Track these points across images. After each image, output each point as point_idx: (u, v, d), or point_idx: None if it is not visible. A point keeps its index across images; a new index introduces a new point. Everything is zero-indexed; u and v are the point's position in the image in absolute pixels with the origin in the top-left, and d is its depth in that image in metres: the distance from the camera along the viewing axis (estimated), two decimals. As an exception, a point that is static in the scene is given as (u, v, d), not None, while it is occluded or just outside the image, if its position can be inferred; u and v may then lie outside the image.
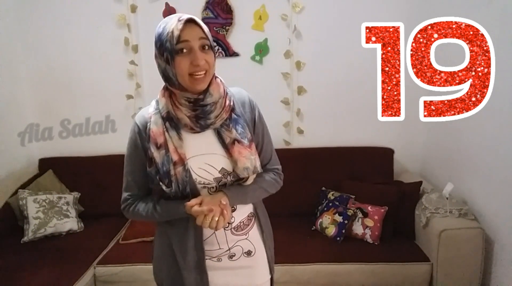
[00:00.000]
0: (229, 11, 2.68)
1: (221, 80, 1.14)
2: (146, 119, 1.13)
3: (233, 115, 1.13)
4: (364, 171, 2.67)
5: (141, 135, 1.13)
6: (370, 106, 2.83)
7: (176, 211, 1.12)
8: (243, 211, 1.22)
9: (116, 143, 2.75)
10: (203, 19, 2.69)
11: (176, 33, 1.00)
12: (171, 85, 1.07)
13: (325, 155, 2.74)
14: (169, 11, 2.70)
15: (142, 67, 2.80)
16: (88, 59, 2.79)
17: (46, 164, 2.80)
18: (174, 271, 1.19)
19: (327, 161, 2.72)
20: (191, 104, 1.07)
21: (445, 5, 2.38)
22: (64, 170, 2.77)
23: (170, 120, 1.10)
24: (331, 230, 2.30)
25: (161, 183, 1.10)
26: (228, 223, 1.18)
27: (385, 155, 2.74)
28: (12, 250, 2.25)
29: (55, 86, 2.84)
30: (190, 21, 1.02)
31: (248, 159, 1.12)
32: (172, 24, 1.01)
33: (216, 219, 1.04)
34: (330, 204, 2.42)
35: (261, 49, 2.74)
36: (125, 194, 1.20)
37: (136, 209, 1.18)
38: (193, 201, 1.06)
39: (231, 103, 1.14)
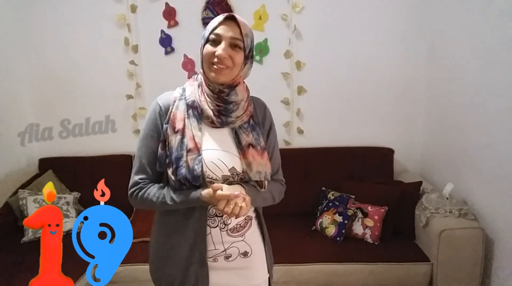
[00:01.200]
0: (229, 11, 2.67)
1: (247, 87, 1.21)
2: (169, 102, 1.16)
3: (251, 121, 1.19)
4: (364, 171, 2.67)
5: (162, 116, 1.15)
6: (370, 106, 2.84)
7: (193, 196, 1.09)
8: None
9: (116, 143, 2.76)
10: (203, 19, 2.69)
11: (213, 24, 1.10)
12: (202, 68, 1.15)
13: (325, 155, 2.74)
14: (169, 11, 2.70)
15: (142, 67, 2.80)
16: (88, 59, 2.79)
17: (46, 164, 2.80)
18: (172, 269, 1.18)
19: (327, 161, 2.72)
20: (215, 95, 1.13)
21: (445, 5, 2.38)
22: (64, 170, 2.77)
23: (193, 109, 1.13)
24: (331, 230, 2.30)
25: (168, 169, 1.10)
26: (224, 224, 1.17)
27: (385, 155, 2.74)
28: (12, 250, 2.24)
29: (55, 86, 2.84)
30: (231, 19, 1.10)
31: (261, 165, 1.15)
32: (218, 17, 1.11)
33: (240, 205, 1.04)
34: (330, 204, 2.42)
35: (261, 49, 2.74)
36: (136, 178, 1.16)
37: (147, 194, 1.14)
38: (216, 186, 1.05)
39: (252, 110, 1.20)
